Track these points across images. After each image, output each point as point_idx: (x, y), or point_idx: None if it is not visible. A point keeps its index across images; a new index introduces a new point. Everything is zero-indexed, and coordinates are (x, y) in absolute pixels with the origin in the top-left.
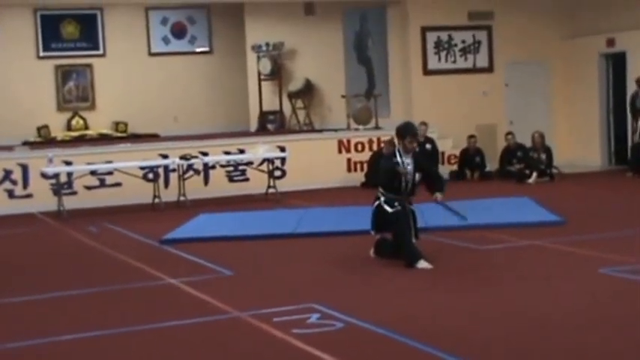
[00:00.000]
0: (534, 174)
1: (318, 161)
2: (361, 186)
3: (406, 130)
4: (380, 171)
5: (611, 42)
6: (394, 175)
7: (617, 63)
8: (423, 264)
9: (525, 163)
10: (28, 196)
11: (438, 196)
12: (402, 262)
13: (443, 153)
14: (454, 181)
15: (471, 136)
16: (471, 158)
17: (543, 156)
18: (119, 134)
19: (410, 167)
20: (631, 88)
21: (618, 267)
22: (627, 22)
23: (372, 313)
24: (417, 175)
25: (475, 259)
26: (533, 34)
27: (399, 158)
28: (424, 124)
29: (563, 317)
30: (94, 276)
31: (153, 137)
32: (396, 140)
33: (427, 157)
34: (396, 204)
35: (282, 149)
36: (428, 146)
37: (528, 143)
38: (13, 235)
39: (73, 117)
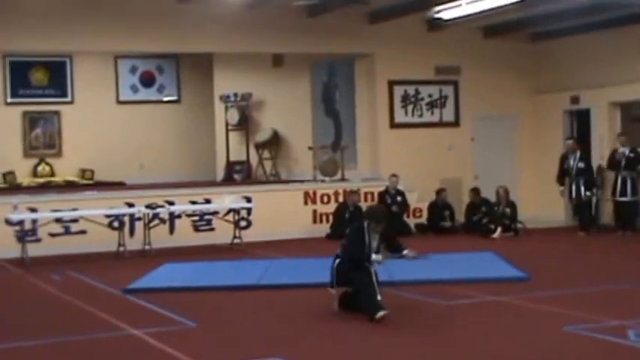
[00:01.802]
0: (499, 229)
1: (284, 212)
2: (327, 237)
3: (370, 216)
4: (348, 243)
5: (575, 99)
6: (361, 250)
7: (581, 119)
8: (380, 313)
9: (489, 217)
10: None
11: (409, 253)
12: (365, 315)
13: (408, 205)
14: (420, 235)
15: (441, 190)
16: (439, 212)
17: (508, 210)
18: (85, 181)
19: (375, 243)
20: (595, 144)
21: (583, 325)
22: (591, 80)
23: None
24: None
25: (439, 313)
26: (500, 89)
27: (366, 235)
28: (395, 176)
29: None
30: (56, 325)
31: (119, 185)
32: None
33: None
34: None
35: (249, 199)
36: (399, 198)
37: (493, 197)
38: None
39: (39, 163)
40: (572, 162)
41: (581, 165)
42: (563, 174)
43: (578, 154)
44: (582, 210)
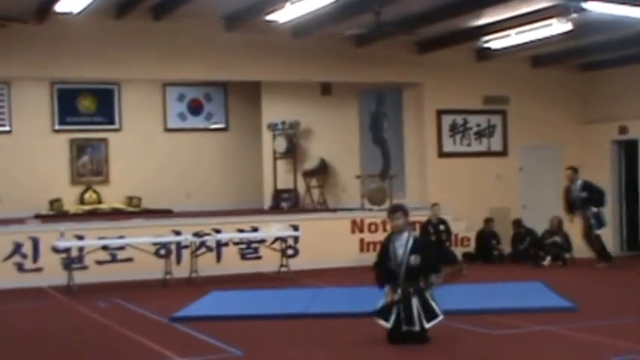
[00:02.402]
0: (548, 257)
1: (331, 240)
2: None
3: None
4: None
5: (623, 129)
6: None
7: (629, 150)
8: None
9: (537, 246)
10: (38, 269)
11: (433, 279)
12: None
13: (456, 235)
14: (467, 264)
15: (489, 220)
16: (487, 241)
17: (558, 240)
18: (132, 209)
19: (400, 251)
20: None
21: (631, 355)
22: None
23: None
24: (413, 259)
25: (487, 344)
26: (547, 119)
27: (390, 244)
28: (436, 204)
29: None
30: (102, 354)
31: (166, 213)
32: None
33: (430, 245)
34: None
35: (296, 228)
36: (441, 227)
37: (541, 228)
38: (21, 309)
39: (86, 191)
40: (575, 193)
41: (584, 195)
42: (570, 206)
43: (579, 183)
44: (592, 241)
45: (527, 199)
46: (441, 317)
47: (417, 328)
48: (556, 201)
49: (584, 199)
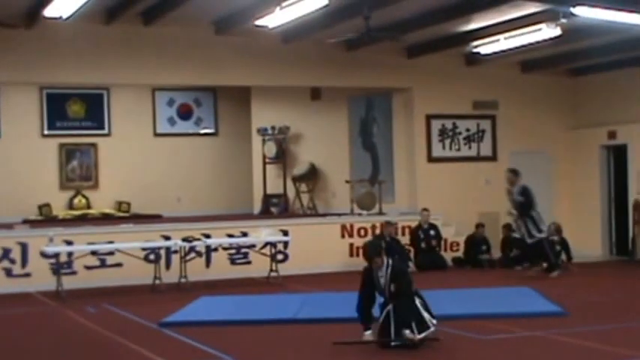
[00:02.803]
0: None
1: (321, 245)
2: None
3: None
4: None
5: (612, 134)
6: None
7: (618, 155)
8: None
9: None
10: (27, 275)
11: (407, 333)
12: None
13: (445, 240)
14: (457, 269)
15: (480, 225)
16: (476, 246)
17: (558, 247)
18: (121, 214)
19: (382, 280)
20: (632, 179)
21: None
22: (628, 115)
23: None
24: (392, 286)
25: (476, 349)
26: (537, 124)
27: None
28: (426, 210)
29: None
30: (91, 359)
31: (155, 218)
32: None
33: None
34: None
35: (285, 233)
36: (432, 232)
37: None
38: (9, 315)
39: (75, 196)
40: (514, 196)
41: (521, 199)
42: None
43: (518, 187)
44: (534, 250)
45: None
46: (432, 329)
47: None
48: (544, 206)
49: (520, 204)
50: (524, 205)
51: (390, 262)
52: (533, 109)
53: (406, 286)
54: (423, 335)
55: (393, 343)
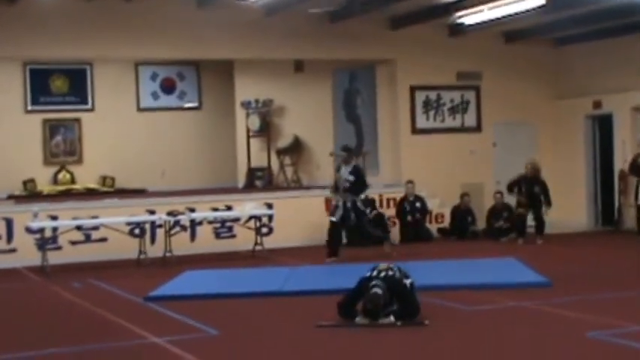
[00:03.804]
0: (521, 239)
1: (305, 219)
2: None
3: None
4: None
5: (597, 104)
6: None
7: (603, 125)
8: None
9: (511, 223)
10: (12, 250)
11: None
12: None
13: (430, 212)
14: (442, 240)
15: (465, 195)
16: (462, 216)
17: (537, 189)
18: (106, 189)
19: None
20: (618, 149)
21: (607, 330)
22: (614, 84)
23: None
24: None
25: (461, 320)
26: (521, 94)
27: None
28: (411, 182)
29: None
30: (76, 334)
31: (140, 192)
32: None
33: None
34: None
35: (270, 206)
36: (418, 205)
37: (513, 203)
38: None
39: (59, 171)
40: (343, 175)
41: (352, 178)
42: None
43: (350, 166)
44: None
45: (501, 175)
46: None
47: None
48: None
49: (351, 183)
50: (356, 184)
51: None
52: (517, 79)
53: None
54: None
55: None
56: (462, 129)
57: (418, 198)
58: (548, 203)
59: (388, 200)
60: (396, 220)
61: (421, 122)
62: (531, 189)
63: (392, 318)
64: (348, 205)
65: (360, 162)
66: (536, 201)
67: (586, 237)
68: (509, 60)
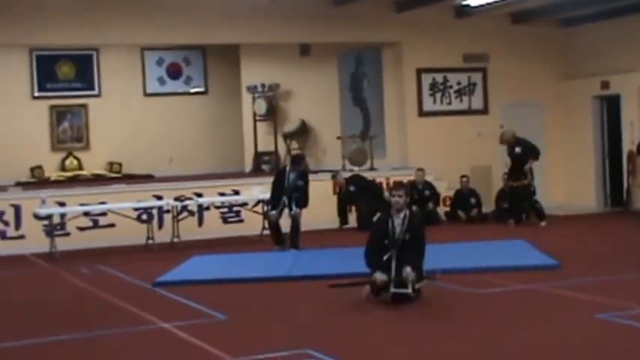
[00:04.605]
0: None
1: (312, 202)
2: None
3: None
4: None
5: (605, 84)
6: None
7: (611, 105)
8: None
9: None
10: (20, 237)
11: (408, 271)
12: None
13: (438, 195)
14: (450, 224)
15: (463, 176)
16: (464, 199)
17: (518, 149)
18: (113, 175)
19: (399, 229)
20: (625, 130)
21: (616, 312)
22: (622, 65)
23: (367, 358)
24: (407, 236)
25: (471, 303)
26: (528, 76)
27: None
28: (420, 170)
29: None
30: (85, 320)
31: (147, 178)
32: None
33: (422, 223)
34: None
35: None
36: (427, 192)
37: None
38: (4, 277)
39: (67, 157)
40: (291, 179)
41: (300, 183)
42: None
43: (299, 172)
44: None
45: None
46: (426, 281)
47: (409, 290)
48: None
49: (301, 187)
50: (303, 189)
51: (408, 212)
52: (524, 60)
53: (421, 235)
54: (421, 284)
55: (393, 290)
56: (469, 111)
57: (427, 185)
58: (534, 157)
59: (395, 183)
60: None
61: (428, 105)
62: (512, 152)
63: (407, 269)
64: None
65: (366, 145)
66: (518, 163)
67: (595, 218)
68: (516, 41)
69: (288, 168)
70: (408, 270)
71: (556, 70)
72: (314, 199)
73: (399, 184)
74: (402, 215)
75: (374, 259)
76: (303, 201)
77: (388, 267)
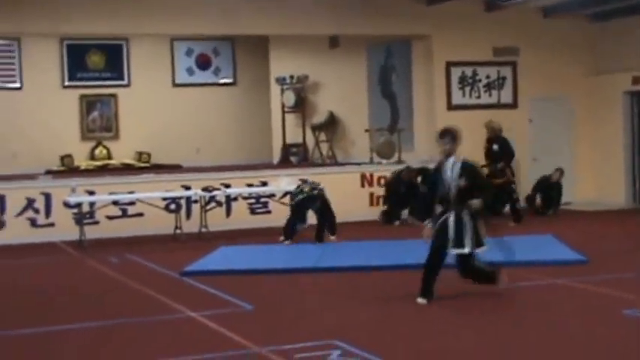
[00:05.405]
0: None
1: (340, 195)
2: (382, 216)
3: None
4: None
5: (636, 80)
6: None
7: None
8: (420, 300)
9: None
10: (50, 225)
11: (475, 202)
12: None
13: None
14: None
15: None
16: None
17: (496, 147)
18: (142, 164)
19: (449, 174)
20: None
21: None
22: None
23: (393, 350)
24: (462, 181)
25: (499, 297)
26: (558, 70)
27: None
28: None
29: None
30: (113, 308)
31: (175, 168)
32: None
33: (477, 170)
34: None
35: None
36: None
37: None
38: (34, 264)
39: (96, 146)
40: None
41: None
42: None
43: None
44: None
45: (537, 152)
46: (486, 247)
47: (466, 250)
48: (565, 153)
49: None
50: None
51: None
52: (554, 54)
53: (479, 178)
54: (481, 250)
55: (452, 250)
56: (498, 105)
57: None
58: (507, 160)
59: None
60: None
61: (457, 98)
62: (490, 148)
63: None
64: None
65: (394, 138)
66: (492, 161)
67: (623, 215)
68: (546, 35)
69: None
70: (474, 201)
71: (587, 64)
72: (341, 190)
73: (445, 131)
74: (450, 161)
75: (429, 208)
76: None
77: (445, 225)
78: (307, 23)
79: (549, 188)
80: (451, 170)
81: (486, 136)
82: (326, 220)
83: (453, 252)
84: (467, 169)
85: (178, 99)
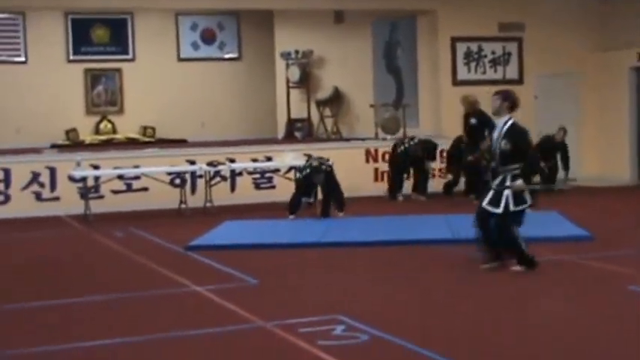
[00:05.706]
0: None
1: (345, 170)
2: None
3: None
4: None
5: None
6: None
7: None
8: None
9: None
10: (56, 199)
11: (518, 184)
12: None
13: None
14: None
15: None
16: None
17: (474, 121)
18: (147, 139)
19: (495, 134)
20: None
21: None
22: None
23: (397, 326)
24: (504, 143)
25: (504, 273)
26: (564, 46)
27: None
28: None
29: (590, 336)
30: (118, 282)
31: (180, 142)
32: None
33: (523, 134)
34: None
35: (309, 157)
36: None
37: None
38: (40, 237)
39: (101, 121)
40: None
41: None
42: None
43: None
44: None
45: (543, 128)
46: (529, 203)
47: (499, 210)
48: (571, 130)
49: None
50: None
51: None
52: (560, 30)
53: (523, 143)
54: (519, 208)
55: (484, 206)
56: (504, 81)
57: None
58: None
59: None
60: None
61: (462, 74)
62: (467, 123)
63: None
64: None
65: (399, 113)
66: (470, 135)
67: (628, 191)
68: (552, 10)
69: None
70: (517, 182)
71: (593, 40)
72: (346, 166)
73: (499, 90)
74: (501, 122)
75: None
76: None
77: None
78: None
79: (554, 149)
80: (500, 130)
81: (463, 112)
82: (332, 196)
83: (484, 206)
84: (511, 131)
85: (183, 74)
